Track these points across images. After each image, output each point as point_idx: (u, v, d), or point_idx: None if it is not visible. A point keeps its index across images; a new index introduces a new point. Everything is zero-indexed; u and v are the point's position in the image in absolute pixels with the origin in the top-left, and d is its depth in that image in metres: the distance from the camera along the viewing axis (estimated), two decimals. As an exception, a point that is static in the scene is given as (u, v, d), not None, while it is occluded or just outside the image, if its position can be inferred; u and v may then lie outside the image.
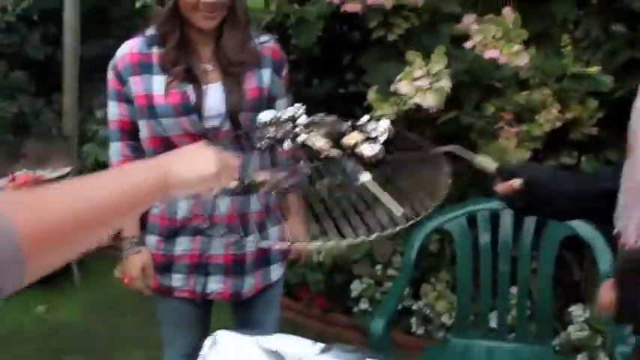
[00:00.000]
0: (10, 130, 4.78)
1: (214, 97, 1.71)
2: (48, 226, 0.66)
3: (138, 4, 3.47)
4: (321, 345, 1.25)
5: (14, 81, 4.91)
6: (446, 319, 2.77)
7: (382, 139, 1.30)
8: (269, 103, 1.74)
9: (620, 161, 2.18)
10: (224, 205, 1.71)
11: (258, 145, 1.34)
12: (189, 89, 1.69)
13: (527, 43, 2.23)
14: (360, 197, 1.17)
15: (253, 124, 1.58)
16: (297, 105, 1.44)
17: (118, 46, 1.75)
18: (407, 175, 1.25)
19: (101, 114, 5.20)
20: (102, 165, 4.86)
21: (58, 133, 5.04)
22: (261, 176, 1.25)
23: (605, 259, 1.94)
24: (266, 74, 1.75)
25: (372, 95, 2.37)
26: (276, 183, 1.27)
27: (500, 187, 1.22)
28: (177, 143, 1.65)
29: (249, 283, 1.83)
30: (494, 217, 2.23)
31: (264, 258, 1.84)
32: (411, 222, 1.06)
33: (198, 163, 0.97)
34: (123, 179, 0.81)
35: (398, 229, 1.05)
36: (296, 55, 3.52)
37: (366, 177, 1.19)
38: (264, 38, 1.82)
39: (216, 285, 1.81)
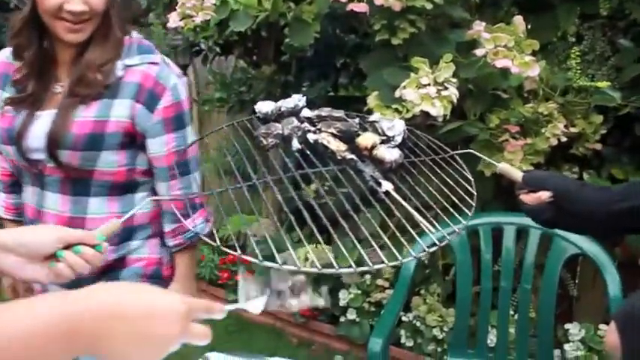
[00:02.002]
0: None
1: (40, 128, 1.41)
2: None
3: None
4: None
5: None
6: (437, 333, 2.71)
7: (399, 139, 1.21)
8: (136, 141, 1.46)
9: (626, 178, 2.14)
10: None
11: (264, 144, 1.18)
12: (22, 114, 1.43)
13: (533, 55, 2.18)
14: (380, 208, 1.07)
15: (87, 165, 1.40)
16: (296, 96, 1.33)
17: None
18: (427, 182, 1.16)
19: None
20: None
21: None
22: None
23: (612, 279, 1.88)
24: (121, 107, 1.42)
25: (372, 100, 2.28)
26: None
27: (528, 198, 1.16)
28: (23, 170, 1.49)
29: None
30: (495, 231, 2.17)
31: None
32: (444, 243, 0.97)
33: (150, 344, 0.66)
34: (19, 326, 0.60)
35: (431, 251, 0.96)
36: (287, 56, 3.43)
37: (388, 186, 1.09)
38: (136, 60, 1.44)
39: None
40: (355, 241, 0.96)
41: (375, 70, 2.32)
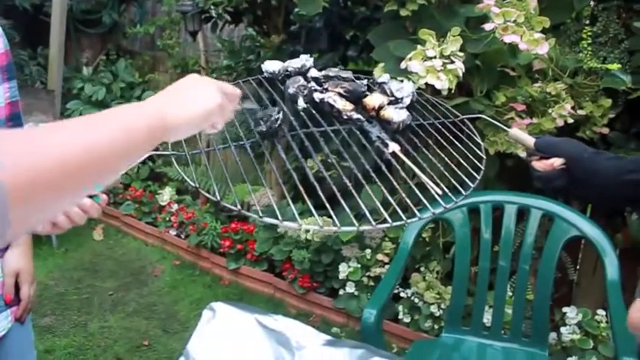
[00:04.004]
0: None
1: None
2: (37, 175, 0.55)
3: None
4: (324, 336, 1.17)
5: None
6: (434, 310, 2.71)
7: (407, 101, 1.18)
8: None
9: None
10: None
11: (261, 129, 1.12)
12: None
13: (544, 34, 2.13)
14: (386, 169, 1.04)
15: None
16: (304, 56, 1.30)
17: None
18: (435, 146, 1.13)
19: (88, 71, 5.05)
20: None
21: (42, 87, 4.88)
22: None
23: (612, 263, 1.86)
24: None
25: (378, 72, 2.26)
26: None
27: (539, 164, 1.13)
28: None
29: None
30: (496, 211, 2.15)
31: None
32: (452, 207, 0.94)
33: (197, 98, 0.84)
34: (116, 124, 0.68)
35: (437, 213, 0.92)
36: (296, 26, 3.40)
37: (395, 147, 1.07)
38: None
39: None
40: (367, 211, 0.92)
41: (383, 42, 2.29)
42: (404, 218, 0.88)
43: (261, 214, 0.83)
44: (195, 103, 0.83)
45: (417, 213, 0.90)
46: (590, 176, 1.10)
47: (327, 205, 0.88)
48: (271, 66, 1.28)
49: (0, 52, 1.36)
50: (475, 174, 1.04)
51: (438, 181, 0.98)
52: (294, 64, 1.27)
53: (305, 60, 1.28)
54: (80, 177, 0.61)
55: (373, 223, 0.84)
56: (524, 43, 1.89)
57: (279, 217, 0.82)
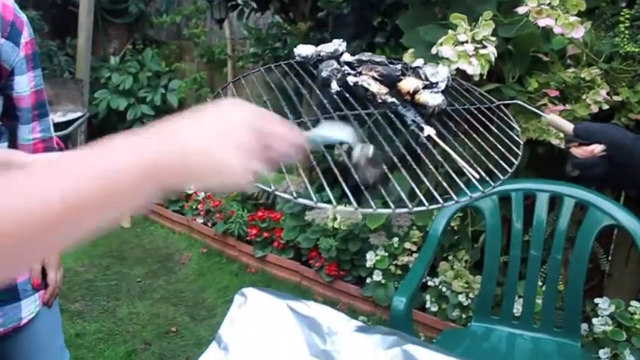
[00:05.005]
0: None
1: None
2: (10, 227, 0.49)
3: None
4: (356, 322, 1.16)
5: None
6: (462, 299, 2.68)
7: (442, 86, 1.15)
8: (2, 77, 1.34)
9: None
10: None
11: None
12: None
13: (579, 17, 2.08)
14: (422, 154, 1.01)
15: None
16: (337, 41, 1.27)
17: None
18: (471, 130, 1.10)
19: (115, 61, 5.09)
20: (114, 111, 4.77)
21: (70, 76, 4.94)
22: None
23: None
24: None
25: (408, 58, 2.22)
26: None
27: (578, 151, 1.09)
28: None
29: None
30: (527, 199, 2.11)
31: (8, 292, 1.41)
32: (490, 190, 0.91)
33: (221, 142, 0.62)
34: (100, 164, 0.55)
35: (474, 197, 0.90)
36: (323, 12, 3.37)
37: (430, 130, 1.05)
38: None
39: None
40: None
41: (412, 28, 2.26)
42: (440, 201, 0.85)
43: (295, 195, 0.82)
44: (215, 149, 0.62)
45: (454, 197, 0.87)
46: (632, 162, 1.06)
47: (363, 189, 0.86)
48: (304, 50, 1.26)
49: (25, 41, 1.37)
50: (513, 159, 1.02)
51: (475, 165, 0.95)
52: (326, 48, 1.25)
53: (338, 45, 1.26)
54: (57, 229, 0.52)
55: (410, 205, 0.82)
56: (558, 27, 1.84)
57: (314, 198, 0.80)
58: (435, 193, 0.89)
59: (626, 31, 2.14)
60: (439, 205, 0.85)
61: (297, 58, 1.27)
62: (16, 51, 1.34)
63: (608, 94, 2.09)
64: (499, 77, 2.20)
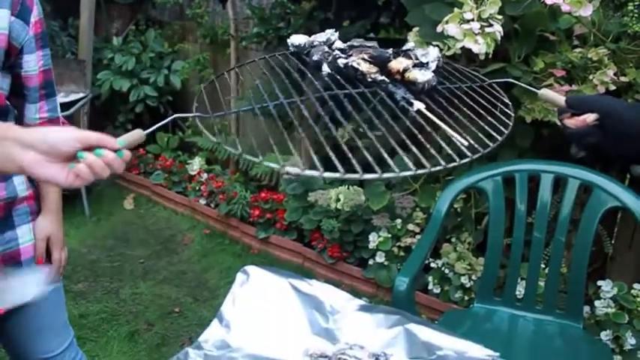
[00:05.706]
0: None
1: None
2: None
3: None
4: (359, 301, 1.15)
5: None
6: (465, 281, 2.68)
7: (433, 66, 1.17)
8: (11, 55, 1.34)
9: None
10: None
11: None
12: None
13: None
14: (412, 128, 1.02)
15: None
16: (329, 31, 1.30)
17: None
18: (462, 107, 1.10)
19: (118, 41, 5.06)
20: (116, 92, 4.75)
21: (73, 57, 4.91)
22: None
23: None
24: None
25: (413, 36, 2.20)
26: None
27: (571, 121, 1.08)
28: None
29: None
30: (531, 181, 2.10)
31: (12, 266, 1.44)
32: (478, 155, 0.91)
33: None
34: None
35: (464, 161, 0.89)
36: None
37: (420, 105, 1.05)
38: None
39: None
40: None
41: (417, 6, 2.23)
42: (457, 159, 0.87)
43: (302, 167, 0.82)
44: None
45: (468, 152, 0.90)
46: (626, 129, 1.03)
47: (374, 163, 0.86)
48: (297, 40, 1.29)
49: (35, 20, 1.37)
50: (503, 128, 1.01)
51: (465, 135, 0.95)
52: (319, 38, 1.29)
53: (330, 34, 1.29)
54: None
55: (428, 165, 0.83)
56: (566, 5, 1.82)
57: (321, 168, 0.80)
58: (451, 151, 0.89)
59: (635, 11, 2.11)
60: (455, 164, 0.87)
61: (290, 48, 1.30)
62: (25, 29, 1.35)
63: (615, 74, 2.06)
64: (505, 57, 2.18)
